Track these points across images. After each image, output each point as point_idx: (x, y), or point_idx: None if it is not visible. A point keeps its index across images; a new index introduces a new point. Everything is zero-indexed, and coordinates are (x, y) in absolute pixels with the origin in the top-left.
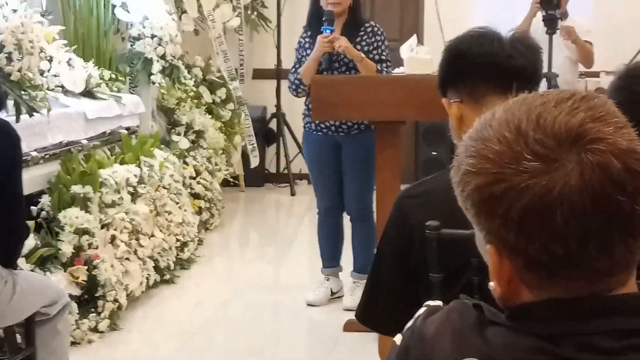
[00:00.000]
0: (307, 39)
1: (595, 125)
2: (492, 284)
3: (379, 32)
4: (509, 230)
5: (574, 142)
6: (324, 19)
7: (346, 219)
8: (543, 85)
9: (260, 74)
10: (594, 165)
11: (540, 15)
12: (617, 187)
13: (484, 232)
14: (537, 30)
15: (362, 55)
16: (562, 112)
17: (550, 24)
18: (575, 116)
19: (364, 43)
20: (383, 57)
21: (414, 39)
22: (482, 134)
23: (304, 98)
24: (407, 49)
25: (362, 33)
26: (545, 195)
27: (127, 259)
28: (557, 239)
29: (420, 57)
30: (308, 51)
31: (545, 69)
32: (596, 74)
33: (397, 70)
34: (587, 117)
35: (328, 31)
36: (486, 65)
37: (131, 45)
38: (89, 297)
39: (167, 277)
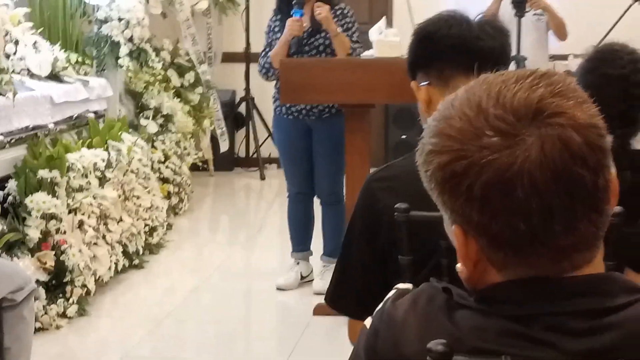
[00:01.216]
0: (276, 23)
1: (555, 100)
2: (459, 265)
3: (349, 14)
4: (472, 208)
5: (533, 117)
6: (293, 2)
7: (316, 203)
8: (512, 68)
9: (229, 58)
10: (554, 139)
11: None
12: (578, 161)
13: (449, 212)
14: (506, 13)
15: (338, 30)
16: (522, 89)
17: (519, 6)
18: (534, 92)
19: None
20: (354, 39)
21: (383, 21)
22: (444, 114)
23: (275, 82)
24: (376, 32)
25: (333, 15)
26: (506, 170)
27: (96, 244)
28: (519, 214)
29: (389, 40)
30: (278, 35)
31: (514, 52)
32: (564, 57)
33: (366, 53)
34: (547, 92)
35: (298, 14)
36: (454, 47)
37: (98, 28)
38: (56, 283)
39: (136, 262)
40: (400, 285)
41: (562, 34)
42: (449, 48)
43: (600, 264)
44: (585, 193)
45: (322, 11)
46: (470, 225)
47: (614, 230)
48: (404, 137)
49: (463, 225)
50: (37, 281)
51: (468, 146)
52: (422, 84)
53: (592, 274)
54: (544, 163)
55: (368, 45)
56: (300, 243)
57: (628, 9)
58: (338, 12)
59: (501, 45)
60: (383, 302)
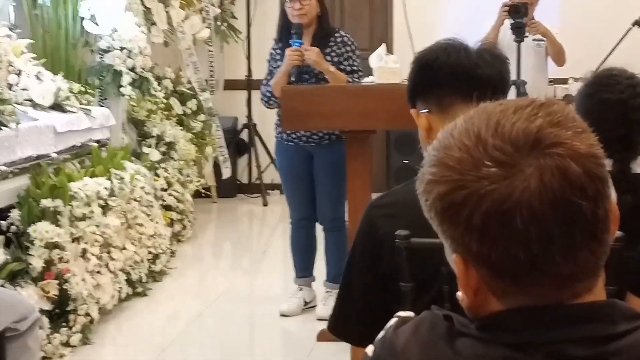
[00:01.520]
0: (277, 51)
1: (554, 130)
2: (459, 293)
3: (349, 42)
4: (471, 237)
5: (532, 147)
6: (292, 31)
7: (319, 229)
8: (512, 92)
9: (230, 85)
10: (552, 169)
11: (508, 23)
12: (577, 190)
13: (449, 241)
14: (505, 39)
15: (332, 68)
16: (521, 119)
17: (518, 31)
18: (533, 122)
19: (333, 54)
20: (354, 68)
21: (382, 48)
22: (443, 143)
23: (277, 109)
24: (376, 59)
25: (332, 43)
26: (505, 200)
27: (99, 272)
28: (518, 243)
29: (389, 67)
30: (279, 63)
31: (514, 77)
32: (564, 81)
33: (367, 80)
34: (545, 123)
35: (297, 44)
36: (453, 74)
37: (100, 58)
38: (60, 312)
39: (140, 289)
40: (402, 313)
41: (560, 60)
42: (447, 76)
43: (601, 291)
44: (585, 223)
45: (311, 54)
46: (470, 255)
47: (615, 254)
48: (405, 161)
49: (463, 254)
50: (41, 310)
51: (467, 176)
52: (422, 111)
53: (593, 301)
54: (542, 193)
55: (368, 72)
56: (303, 269)
57: (627, 33)
58: (338, 40)
59: (499, 73)
60: (384, 330)
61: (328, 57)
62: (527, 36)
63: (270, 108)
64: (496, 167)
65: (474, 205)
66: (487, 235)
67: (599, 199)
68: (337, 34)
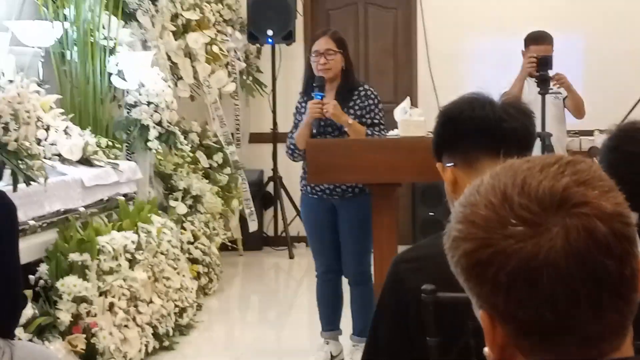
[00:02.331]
0: (302, 104)
1: (580, 189)
2: (486, 349)
3: (372, 96)
4: (498, 295)
5: (558, 206)
6: (314, 84)
7: (345, 281)
8: (537, 145)
9: (256, 138)
10: (578, 229)
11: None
12: (603, 250)
13: (475, 298)
14: (527, 90)
15: (350, 120)
16: (547, 177)
17: (543, 83)
18: (559, 181)
19: (357, 107)
20: (376, 121)
21: (407, 101)
22: (470, 200)
23: (302, 161)
24: (401, 111)
25: (356, 97)
26: (531, 259)
27: (126, 326)
28: (545, 303)
29: (414, 120)
30: (303, 116)
31: (538, 129)
32: (590, 133)
33: (391, 133)
34: (572, 182)
35: (319, 97)
36: (478, 129)
37: (128, 112)
38: None
39: (166, 343)
40: None
41: (580, 112)
42: (472, 130)
43: (628, 348)
44: (612, 282)
45: (329, 107)
46: (497, 312)
47: None
48: (431, 214)
49: (490, 311)
50: None
51: (493, 234)
52: (448, 165)
53: (620, 358)
54: (569, 253)
55: (393, 125)
56: (330, 322)
57: None
58: (362, 94)
59: (524, 126)
60: None
61: (351, 111)
62: (551, 89)
63: (295, 161)
64: (522, 226)
65: (500, 264)
66: (513, 294)
67: (626, 259)
68: (360, 88)
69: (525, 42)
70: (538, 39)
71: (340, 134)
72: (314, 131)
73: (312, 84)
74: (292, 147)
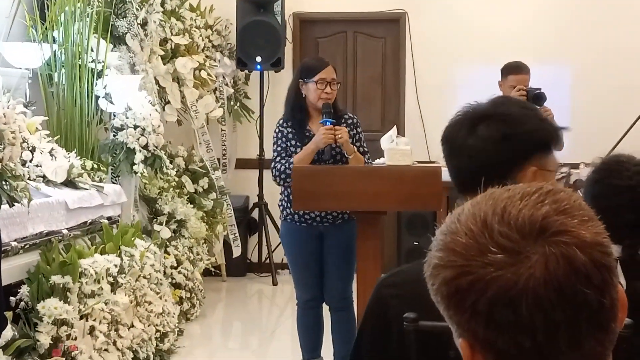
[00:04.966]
0: (288, 129)
1: (559, 218)
2: None
3: (359, 124)
4: (477, 323)
5: (538, 234)
6: (323, 110)
7: (325, 308)
8: None
9: (243, 164)
10: (558, 258)
11: None
12: (582, 279)
13: (455, 326)
14: None
15: (355, 149)
16: (527, 206)
17: (537, 102)
18: (539, 209)
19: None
20: (365, 149)
21: (394, 130)
22: (450, 228)
23: (281, 189)
24: (388, 140)
25: (344, 124)
26: (510, 287)
27: (106, 350)
28: (524, 331)
29: (400, 148)
30: (292, 142)
31: None
32: (576, 166)
33: (378, 161)
34: (552, 210)
35: (329, 123)
36: None
37: (114, 135)
38: None
39: None
40: None
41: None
42: None
43: None
44: (590, 312)
45: (343, 135)
46: (477, 340)
47: (623, 342)
48: (416, 243)
49: (469, 340)
50: None
51: (472, 262)
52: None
53: None
54: (548, 281)
55: (379, 153)
56: (311, 350)
57: (637, 120)
58: (349, 121)
59: None
60: None
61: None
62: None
63: (285, 185)
64: (502, 254)
65: (479, 292)
66: (492, 321)
67: (605, 288)
68: (346, 116)
69: (503, 72)
70: (517, 69)
71: (335, 162)
72: (325, 157)
73: (301, 111)
74: (288, 171)
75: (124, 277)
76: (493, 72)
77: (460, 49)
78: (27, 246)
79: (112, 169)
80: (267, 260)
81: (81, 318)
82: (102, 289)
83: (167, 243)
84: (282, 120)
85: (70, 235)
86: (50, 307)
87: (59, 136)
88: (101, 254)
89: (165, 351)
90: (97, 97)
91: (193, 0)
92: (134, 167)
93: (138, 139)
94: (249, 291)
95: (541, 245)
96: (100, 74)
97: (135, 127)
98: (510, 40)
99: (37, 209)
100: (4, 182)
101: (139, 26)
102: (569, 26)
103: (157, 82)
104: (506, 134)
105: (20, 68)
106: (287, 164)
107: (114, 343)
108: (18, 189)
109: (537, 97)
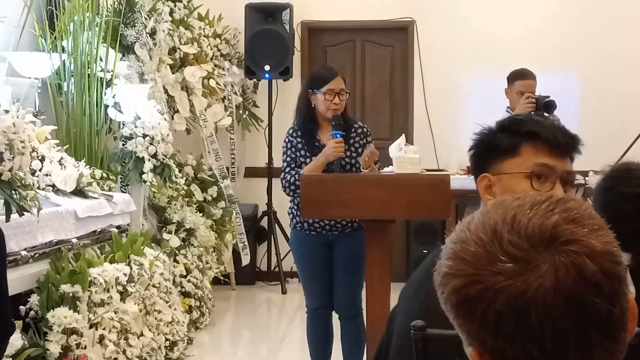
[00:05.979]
0: (298, 139)
1: (569, 227)
2: None
3: (369, 133)
4: (487, 332)
5: (548, 243)
6: (333, 122)
7: (335, 317)
8: None
9: (251, 172)
10: (567, 267)
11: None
12: (592, 288)
13: (465, 335)
14: None
15: (372, 163)
16: (537, 214)
17: (548, 109)
18: (549, 218)
19: (357, 145)
20: (376, 159)
21: (402, 138)
22: (460, 237)
23: (291, 197)
24: (396, 148)
25: (354, 134)
26: (519, 296)
27: (116, 358)
28: (533, 340)
29: (409, 157)
30: (302, 152)
31: None
32: (585, 173)
33: (386, 169)
34: (562, 219)
35: (338, 136)
36: None
37: (123, 144)
38: None
39: None
40: None
41: None
42: None
43: None
44: (600, 321)
45: (373, 156)
46: (486, 349)
47: (633, 351)
48: (425, 251)
49: (478, 348)
50: None
51: (482, 271)
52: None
53: None
54: (557, 290)
55: (387, 162)
56: (321, 359)
57: None
58: (359, 131)
59: None
60: None
61: (352, 148)
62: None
63: (295, 196)
64: (511, 263)
65: (489, 300)
66: (501, 330)
67: (615, 297)
68: (356, 125)
69: (509, 79)
70: (523, 75)
71: (344, 172)
72: (336, 170)
73: (312, 122)
74: (297, 183)
75: (134, 285)
76: (501, 79)
77: (468, 56)
78: (37, 255)
79: (121, 178)
80: (276, 269)
81: (91, 327)
82: (111, 297)
83: (177, 252)
84: (291, 130)
85: (79, 244)
86: (60, 316)
87: (68, 145)
88: (110, 262)
89: None
90: (106, 106)
91: (202, 9)
92: (143, 176)
93: (147, 147)
94: (258, 300)
95: (551, 255)
96: (109, 83)
97: (144, 136)
98: (518, 47)
99: (47, 218)
100: (13, 192)
101: (148, 35)
102: (576, 33)
103: (165, 91)
104: None
105: (30, 77)
106: (296, 175)
107: (124, 352)
108: (28, 198)
109: (548, 105)
